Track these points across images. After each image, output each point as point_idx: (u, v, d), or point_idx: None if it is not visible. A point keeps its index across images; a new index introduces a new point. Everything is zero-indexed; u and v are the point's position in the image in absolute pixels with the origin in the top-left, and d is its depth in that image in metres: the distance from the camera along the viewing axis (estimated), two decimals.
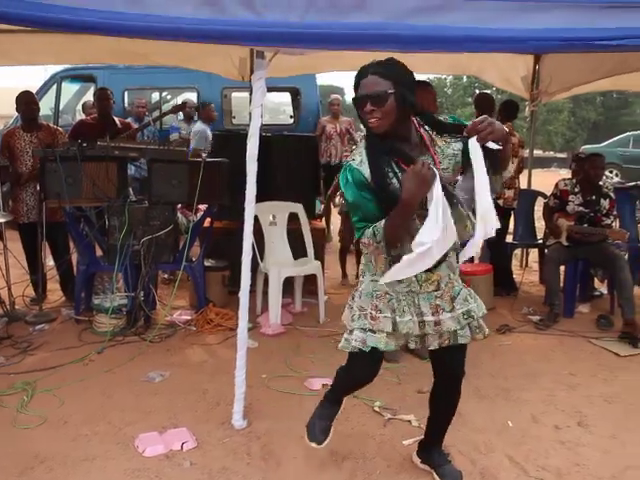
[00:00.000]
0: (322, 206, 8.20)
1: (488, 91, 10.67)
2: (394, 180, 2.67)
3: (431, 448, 3.30)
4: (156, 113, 9.94)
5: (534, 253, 7.80)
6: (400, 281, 2.79)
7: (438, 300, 2.86)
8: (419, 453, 3.35)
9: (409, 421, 3.82)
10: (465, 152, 2.72)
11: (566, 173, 22.58)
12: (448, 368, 3.13)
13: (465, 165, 2.80)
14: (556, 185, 6.04)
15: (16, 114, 8.54)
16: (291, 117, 11.46)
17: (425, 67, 7.63)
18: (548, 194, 6.35)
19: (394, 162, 2.70)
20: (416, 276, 2.77)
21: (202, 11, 3.56)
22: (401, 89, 2.65)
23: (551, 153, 35.26)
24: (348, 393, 3.29)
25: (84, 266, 5.65)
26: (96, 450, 3.46)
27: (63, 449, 3.47)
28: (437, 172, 2.59)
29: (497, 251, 6.63)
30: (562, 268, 5.98)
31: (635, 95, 32.80)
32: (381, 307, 2.85)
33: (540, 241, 6.79)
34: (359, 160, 2.73)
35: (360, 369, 3.04)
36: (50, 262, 6.25)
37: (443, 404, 3.22)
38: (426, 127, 2.82)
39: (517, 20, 4.09)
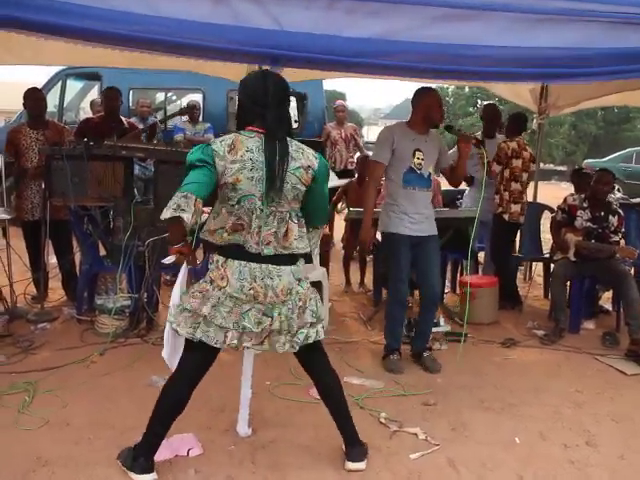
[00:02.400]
0: None
1: (490, 102, 10.65)
2: None
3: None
4: (160, 113, 9.89)
5: (537, 266, 7.77)
6: None
7: None
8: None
9: (415, 434, 3.78)
10: None
11: (567, 186, 22.60)
12: None
13: None
14: (564, 200, 6.00)
15: (20, 109, 8.51)
16: (296, 122, 11.39)
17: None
18: (552, 207, 6.32)
19: None
20: None
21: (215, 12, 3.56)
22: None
23: (551, 166, 35.27)
24: None
25: (87, 265, 5.61)
26: (99, 454, 3.41)
27: (66, 452, 3.42)
28: None
29: (502, 264, 6.59)
30: (567, 283, 5.95)
31: (636, 110, 32.83)
32: None
33: (547, 255, 6.75)
34: None
35: None
36: (52, 260, 6.20)
37: None
38: None
39: (527, 35, 4.12)
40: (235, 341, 3.06)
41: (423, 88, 4.75)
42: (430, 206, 4.86)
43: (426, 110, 4.61)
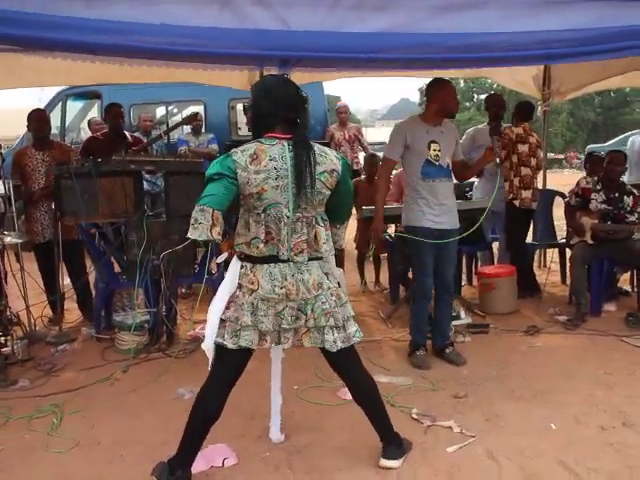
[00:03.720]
0: None
1: (484, 95, 10.66)
2: None
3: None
4: (163, 127, 9.87)
5: (550, 253, 7.70)
6: None
7: None
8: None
9: (450, 427, 3.73)
10: None
11: (570, 174, 22.51)
12: None
13: None
14: (577, 183, 5.97)
15: (17, 136, 8.51)
16: None
17: None
18: (563, 193, 6.26)
19: None
20: None
21: (222, 17, 3.53)
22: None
23: (551, 155, 35.23)
24: None
25: (103, 283, 5.58)
26: (134, 471, 3.36)
27: (100, 472, 3.38)
28: None
29: (517, 253, 6.53)
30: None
31: (635, 93, 32.80)
32: None
33: (563, 240, 6.69)
34: None
35: None
36: (66, 281, 6.16)
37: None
38: None
39: (534, 19, 4.09)
40: (274, 343, 3.09)
41: (438, 80, 4.74)
42: (453, 197, 4.80)
43: (443, 101, 4.60)
